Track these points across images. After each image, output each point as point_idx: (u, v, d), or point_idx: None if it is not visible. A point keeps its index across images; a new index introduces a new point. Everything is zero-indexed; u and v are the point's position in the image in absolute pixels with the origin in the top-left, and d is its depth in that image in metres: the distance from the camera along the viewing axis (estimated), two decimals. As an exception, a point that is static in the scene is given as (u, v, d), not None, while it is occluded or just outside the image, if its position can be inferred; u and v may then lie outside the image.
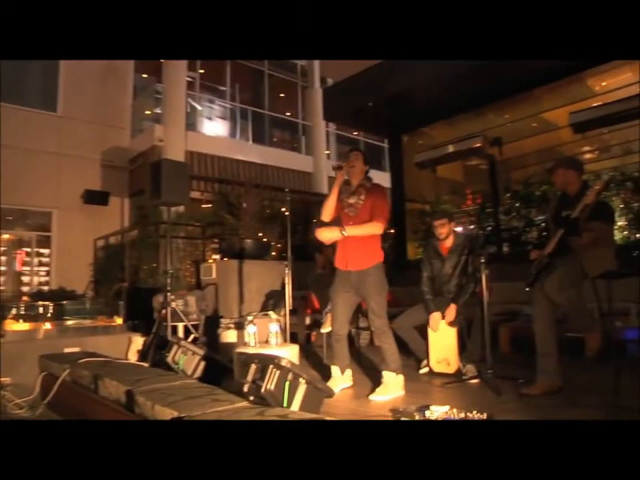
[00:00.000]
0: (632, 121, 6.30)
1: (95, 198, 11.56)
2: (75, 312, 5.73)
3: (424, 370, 4.21)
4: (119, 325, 5.33)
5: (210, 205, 10.99)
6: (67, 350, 4.39)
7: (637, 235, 6.72)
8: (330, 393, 2.82)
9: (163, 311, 4.76)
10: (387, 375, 3.53)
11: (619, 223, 6.72)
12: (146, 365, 4.18)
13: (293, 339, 6.11)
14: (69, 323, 5.25)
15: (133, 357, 4.84)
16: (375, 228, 3.57)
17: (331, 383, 3.59)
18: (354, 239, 3.60)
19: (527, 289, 3.59)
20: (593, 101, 7.41)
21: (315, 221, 9.87)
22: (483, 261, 3.67)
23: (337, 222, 3.76)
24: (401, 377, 3.55)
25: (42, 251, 11.56)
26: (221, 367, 3.76)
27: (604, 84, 7.78)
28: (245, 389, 2.67)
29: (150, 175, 4.96)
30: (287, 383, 2.57)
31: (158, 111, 12.80)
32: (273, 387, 2.54)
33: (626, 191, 6.84)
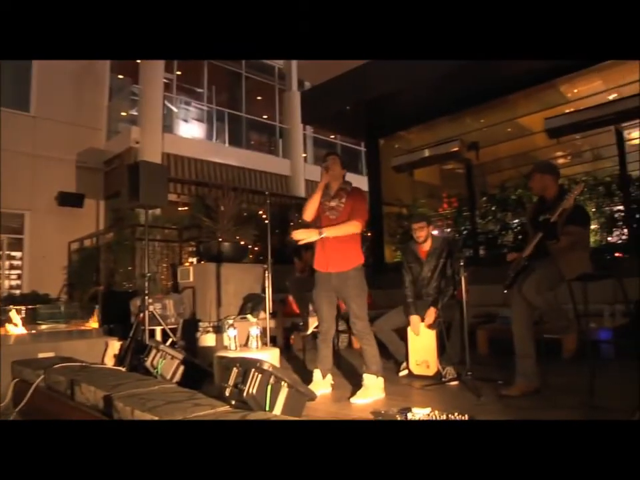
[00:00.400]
0: (603, 127, 6.44)
1: (70, 200, 11.34)
2: (49, 316, 5.61)
3: (403, 372, 4.23)
4: (94, 329, 5.24)
5: (187, 208, 10.90)
6: (41, 355, 4.29)
7: (609, 239, 6.86)
8: (312, 397, 2.81)
9: (141, 315, 4.69)
10: (368, 378, 3.53)
11: (593, 227, 6.86)
12: (123, 369, 4.11)
13: (272, 342, 6.10)
14: (43, 327, 5.14)
15: (109, 362, 4.76)
16: (353, 227, 3.59)
17: (312, 387, 3.57)
18: (334, 241, 3.61)
19: (505, 291, 3.63)
20: (566, 107, 7.56)
21: (292, 223, 9.87)
22: (462, 263, 3.70)
23: (316, 224, 3.76)
24: (381, 380, 3.56)
25: (13, 254, 11.30)
26: (200, 371, 3.72)
27: (576, 91, 7.94)
28: (227, 393, 2.64)
29: (127, 177, 4.90)
30: (269, 387, 2.55)
31: (134, 112, 12.65)
32: (255, 391, 2.52)
33: (598, 196, 6.98)
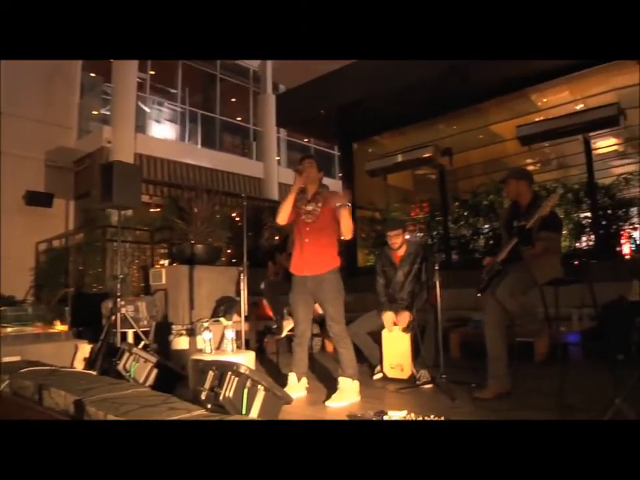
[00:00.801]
0: (572, 136, 6.60)
1: (38, 199, 11.03)
2: (15, 318, 5.43)
3: (378, 376, 4.24)
4: (64, 331, 5.09)
5: (159, 210, 10.76)
6: (5, 359, 4.15)
7: (577, 245, 7.01)
8: (288, 400, 2.79)
9: (112, 317, 4.60)
10: (343, 381, 3.53)
11: (564, 233, 7.00)
12: (94, 373, 4.02)
13: (245, 345, 6.05)
14: (9, 330, 4.97)
15: (79, 366, 4.65)
16: (350, 225, 3.56)
17: (287, 390, 3.55)
18: (312, 245, 3.61)
19: (479, 295, 3.68)
20: (536, 115, 7.74)
21: (265, 226, 9.82)
22: (437, 268, 3.73)
23: (292, 228, 3.76)
24: (356, 383, 3.56)
25: (-23, 254, 10.97)
26: (174, 375, 3.67)
27: (545, 100, 8.13)
28: (203, 396, 2.60)
29: (100, 177, 4.81)
30: (246, 390, 2.53)
31: (105, 111, 12.43)
32: (231, 395, 2.49)
33: (566, 203, 7.13)
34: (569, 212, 7.11)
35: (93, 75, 13.28)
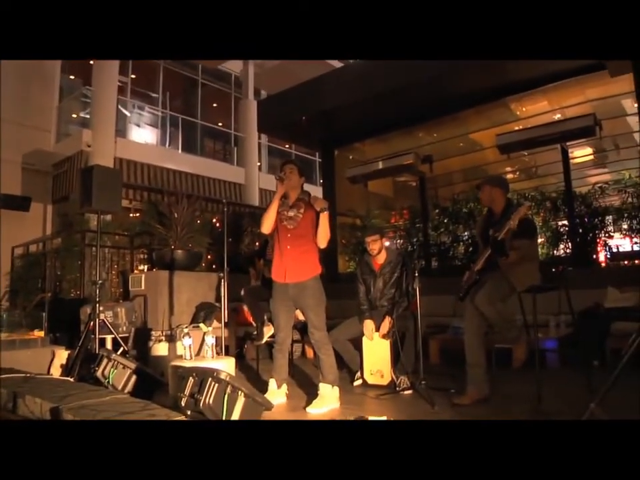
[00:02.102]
0: (550, 145, 6.72)
1: (14, 203, 10.86)
2: (-12, 325, 5.35)
3: (357, 382, 4.26)
4: (40, 337, 5.02)
5: (138, 215, 10.66)
6: (-23, 367, 4.08)
7: (555, 252, 7.13)
8: (268, 406, 2.78)
9: (91, 323, 4.55)
10: (324, 387, 3.54)
11: (539, 240, 7.12)
12: (71, 380, 3.98)
13: (225, 351, 6.03)
14: (-18, 336, 4.89)
15: (56, 372, 4.59)
16: (327, 233, 3.59)
17: (267, 396, 3.56)
18: (293, 251, 3.61)
19: (460, 302, 3.72)
20: (516, 124, 7.87)
21: (246, 232, 9.80)
22: (416, 275, 3.77)
23: (275, 235, 3.76)
24: (336, 389, 3.57)
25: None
26: (153, 381, 3.64)
27: (524, 109, 8.28)
28: (182, 403, 2.60)
29: (80, 182, 4.76)
30: (226, 397, 2.53)
31: (85, 115, 12.31)
32: (211, 401, 2.49)
33: (545, 210, 7.26)
34: (547, 220, 7.24)
35: (72, 77, 13.15)
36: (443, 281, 6.10)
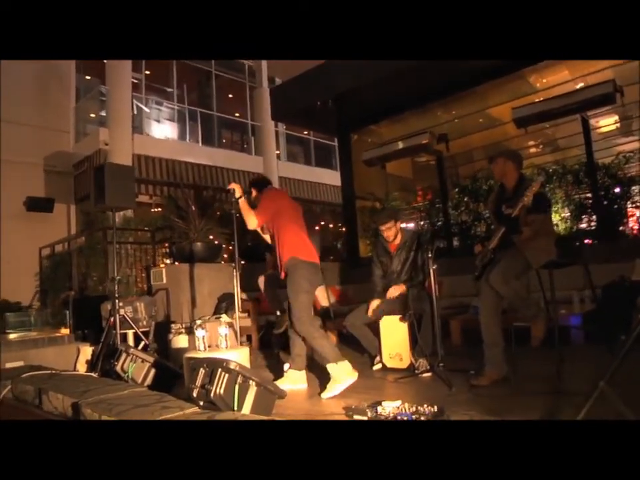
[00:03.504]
0: (568, 116, 6.52)
1: (39, 205, 11.13)
2: (19, 324, 5.51)
3: (377, 366, 4.26)
4: (65, 335, 5.16)
5: (160, 209, 10.80)
6: (8, 365, 4.22)
7: (581, 225, 6.96)
8: (281, 395, 2.81)
9: (111, 319, 4.64)
10: (331, 367, 3.51)
11: (563, 215, 6.97)
12: (95, 375, 4.08)
13: (248, 341, 6.09)
14: (12, 336, 5.05)
15: (81, 368, 4.72)
16: (250, 218, 3.73)
17: (284, 381, 3.64)
18: (277, 250, 3.81)
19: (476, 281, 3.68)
20: (536, 96, 7.66)
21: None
22: (430, 255, 3.73)
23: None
24: (344, 364, 3.51)
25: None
26: (172, 374, 3.70)
27: (544, 81, 8.07)
28: (194, 394, 2.64)
29: (93, 180, 4.84)
30: (237, 386, 2.55)
31: (103, 114, 12.47)
32: (222, 391, 2.52)
33: (566, 184, 7.08)
34: (569, 193, 7.07)
35: (88, 77, 13.31)
36: (464, 261, 6.01)
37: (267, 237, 4.02)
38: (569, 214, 7.02)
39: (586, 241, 6.70)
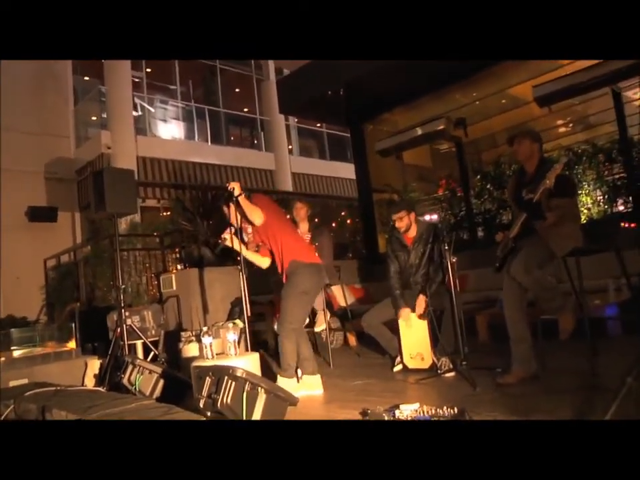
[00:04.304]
0: (594, 90, 6.37)
1: (41, 214, 11.27)
2: (25, 340, 5.58)
3: (398, 367, 4.24)
4: (72, 349, 5.22)
5: (168, 213, 10.90)
6: (12, 383, 4.27)
7: (616, 208, 6.82)
8: (293, 401, 2.82)
9: (118, 329, 4.69)
10: (279, 379, 3.68)
11: (595, 198, 6.85)
12: (102, 389, 4.13)
13: (263, 346, 6.11)
14: (16, 353, 5.12)
15: (90, 383, 4.76)
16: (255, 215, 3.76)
17: (300, 387, 3.69)
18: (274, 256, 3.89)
19: (497, 273, 3.64)
20: (562, 71, 7.52)
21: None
22: (446, 248, 3.70)
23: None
24: (290, 381, 3.70)
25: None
26: (182, 384, 3.73)
27: (569, 53, 7.90)
28: (201, 404, 2.66)
29: (92, 186, 4.89)
30: (245, 394, 2.57)
31: (105, 115, 12.60)
32: (229, 400, 2.54)
33: (599, 163, 6.95)
34: (601, 174, 6.94)
35: (86, 78, 13.45)
36: (490, 252, 5.96)
37: (256, 258, 4.02)
38: (601, 196, 6.90)
39: (621, 225, 6.57)
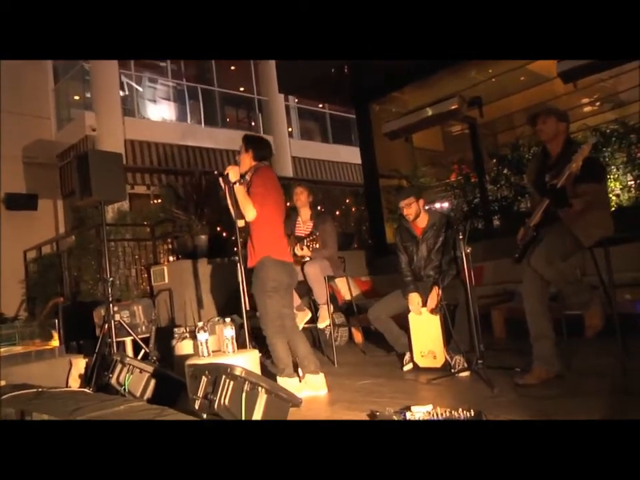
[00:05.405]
0: (627, 62, 6.27)
1: (20, 202, 11.19)
2: (3, 338, 5.57)
3: (408, 366, 4.23)
4: (55, 347, 5.22)
5: (159, 200, 10.86)
6: (-12, 386, 4.26)
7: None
8: (296, 402, 2.81)
9: (105, 326, 4.69)
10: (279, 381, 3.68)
11: (626, 182, 6.79)
12: (88, 390, 4.12)
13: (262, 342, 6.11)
14: (-6, 353, 5.10)
15: (74, 384, 4.76)
16: (248, 209, 3.72)
17: (302, 387, 3.70)
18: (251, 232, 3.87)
19: (517, 264, 3.61)
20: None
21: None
22: (461, 237, 3.67)
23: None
24: (292, 380, 3.74)
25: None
26: (176, 384, 3.73)
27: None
28: (196, 406, 2.65)
29: (77, 171, 4.87)
30: (244, 395, 2.56)
31: (89, 95, 12.53)
32: (227, 401, 2.53)
33: (630, 145, 6.87)
34: (633, 156, 6.85)
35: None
36: (506, 242, 5.92)
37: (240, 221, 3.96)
38: (632, 181, 6.83)
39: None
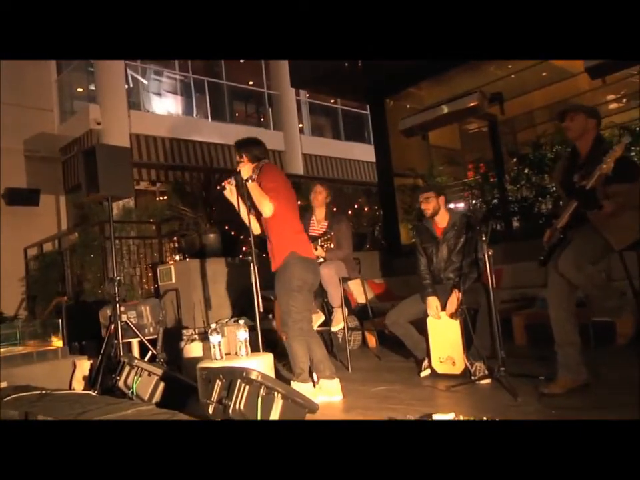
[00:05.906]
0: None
1: (21, 197, 11.15)
2: (3, 339, 5.58)
3: (425, 372, 4.22)
4: (58, 348, 5.22)
5: (166, 197, 10.88)
6: (-11, 388, 4.27)
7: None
8: (312, 408, 2.81)
9: (112, 326, 4.70)
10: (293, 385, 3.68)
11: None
12: (94, 393, 4.13)
13: (273, 346, 6.11)
14: (-6, 353, 5.10)
15: (78, 386, 4.77)
16: (264, 203, 3.71)
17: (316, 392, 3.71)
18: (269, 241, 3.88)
19: (542, 267, 3.58)
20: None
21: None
22: (484, 239, 3.66)
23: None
24: (307, 386, 3.75)
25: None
26: (185, 387, 3.74)
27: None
28: (210, 410, 2.65)
29: (83, 165, 4.89)
30: (259, 400, 2.56)
31: (93, 87, 12.55)
32: (242, 407, 2.52)
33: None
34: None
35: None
36: (527, 245, 5.91)
37: (253, 222, 4.01)
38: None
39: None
